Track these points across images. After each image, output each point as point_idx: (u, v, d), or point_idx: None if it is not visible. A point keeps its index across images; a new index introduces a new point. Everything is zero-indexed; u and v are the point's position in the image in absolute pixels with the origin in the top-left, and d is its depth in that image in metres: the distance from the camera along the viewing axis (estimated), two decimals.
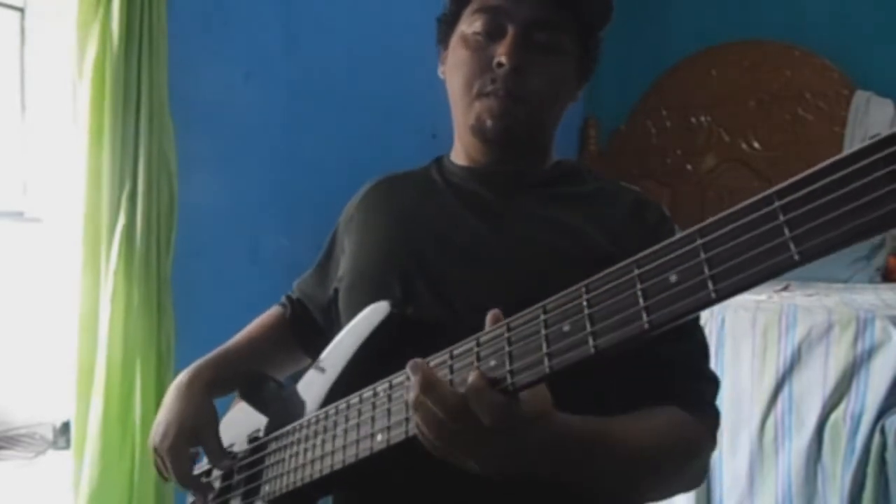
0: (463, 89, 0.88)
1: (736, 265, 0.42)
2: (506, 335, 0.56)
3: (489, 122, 0.86)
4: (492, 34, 0.87)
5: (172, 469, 0.90)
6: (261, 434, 0.91)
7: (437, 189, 0.95)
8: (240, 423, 0.96)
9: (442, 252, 0.87)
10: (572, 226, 0.85)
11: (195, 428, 0.91)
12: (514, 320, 0.56)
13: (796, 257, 0.39)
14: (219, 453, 0.91)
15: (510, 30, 0.85)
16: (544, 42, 0.86)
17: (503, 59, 0.84)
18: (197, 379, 0.94)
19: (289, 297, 1.10)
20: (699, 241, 0.44)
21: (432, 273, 0.85)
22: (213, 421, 0.92)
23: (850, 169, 0.37)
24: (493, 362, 0.57)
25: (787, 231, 0.39)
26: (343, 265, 0.98)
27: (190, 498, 1.00)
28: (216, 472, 0.95)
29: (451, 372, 0.61)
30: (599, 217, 0.86)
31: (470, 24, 0.89)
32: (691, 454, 0.79)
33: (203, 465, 0.97)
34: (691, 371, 0.83)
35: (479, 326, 0.61)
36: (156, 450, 0.92)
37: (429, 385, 0.60)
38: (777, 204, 0.40)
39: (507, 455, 0.63)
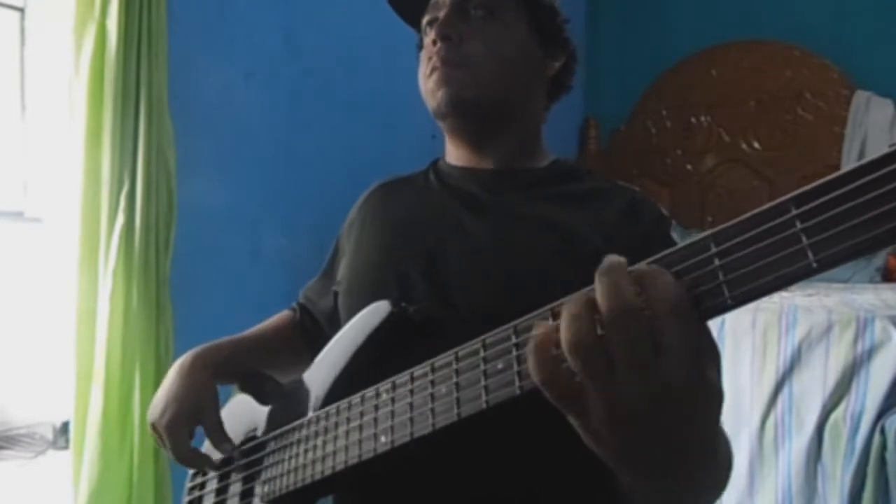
0: (420, 82, 0.91)
1: (752, 272, 0.42)
2: (513, 339, 0.56)
3: (438, 96, 0.88)
4: (433, 26, 0.90)
5: (170, 446, 0.90)
6: (259, 432, 0.90)
7: (433, 190, 0.96)
8: (237, 419, 0.95)
9: (439, 252, 0.87)
10: (566, 225, 0.85)
11: (196, 406, 0.90)
12: (521, 323, 0.56)
13: (814, 265, 0.39)
14: (219, 433, 0.90)
15: (442, 12, 0.88)
16: (480, 13, 0.88)
17: (433, 35, 0.87)
18: (200, 360, 0.94)
19: (297, 303, 1.11)
20: (713, 248, 0.44)
21: (430, 273, 0.85)
22: (215, 401, 0.92)
23: (870, 177, 0.37)
24: (500, 365, 0.57)
25: (804, 238, 0.39)
26: (342, 269, 0.98)
27: (188, 483, 0.99)
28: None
29: (458, 374, 0.61)
30: (594, 216, 0.86)
31: (423, 30, 0.93)
32: (731, 460, 0.71)
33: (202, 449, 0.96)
34: None
35: (479, 326, 0.60)
36: (154, 426, 0.92)
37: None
38: (794, 212, 0.40)
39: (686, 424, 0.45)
